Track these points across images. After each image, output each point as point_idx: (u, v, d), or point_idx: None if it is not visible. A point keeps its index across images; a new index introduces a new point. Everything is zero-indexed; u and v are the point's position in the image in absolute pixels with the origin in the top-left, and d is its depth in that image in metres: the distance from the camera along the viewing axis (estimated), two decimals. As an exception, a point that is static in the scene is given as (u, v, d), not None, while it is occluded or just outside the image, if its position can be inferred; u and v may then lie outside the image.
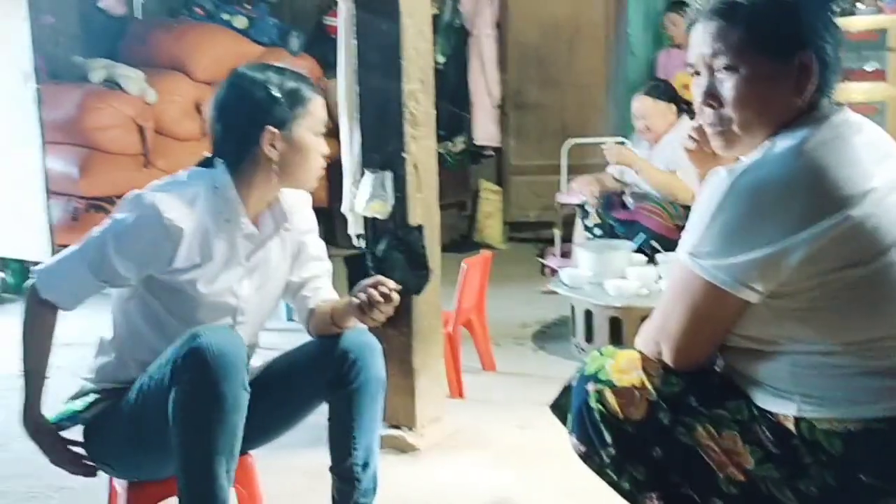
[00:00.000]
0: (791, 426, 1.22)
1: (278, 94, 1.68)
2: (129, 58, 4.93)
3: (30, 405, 1.68)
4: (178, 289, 1.67)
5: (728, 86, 1.26)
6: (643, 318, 1.60)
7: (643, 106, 3.80)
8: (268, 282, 1.79)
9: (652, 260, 3.51)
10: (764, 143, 1.24)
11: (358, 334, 1.76)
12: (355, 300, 1.68)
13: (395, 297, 1.68)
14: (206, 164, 1.74)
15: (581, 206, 4.02)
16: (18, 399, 1.69)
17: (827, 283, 1.17)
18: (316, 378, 1.74)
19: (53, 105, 4.40)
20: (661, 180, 3.70)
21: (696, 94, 1.32)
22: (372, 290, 1.66)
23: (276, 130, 1.68)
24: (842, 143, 1.20)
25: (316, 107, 1.73)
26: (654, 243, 3.60)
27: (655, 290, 3.18)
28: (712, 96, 1.29)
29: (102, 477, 1.86)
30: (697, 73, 1.31)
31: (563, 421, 1.41)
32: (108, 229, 1.64)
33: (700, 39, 1.29)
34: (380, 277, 1.70)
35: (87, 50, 5.03)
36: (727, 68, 1.26)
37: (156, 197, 1.63)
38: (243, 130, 1.69)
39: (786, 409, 1.23)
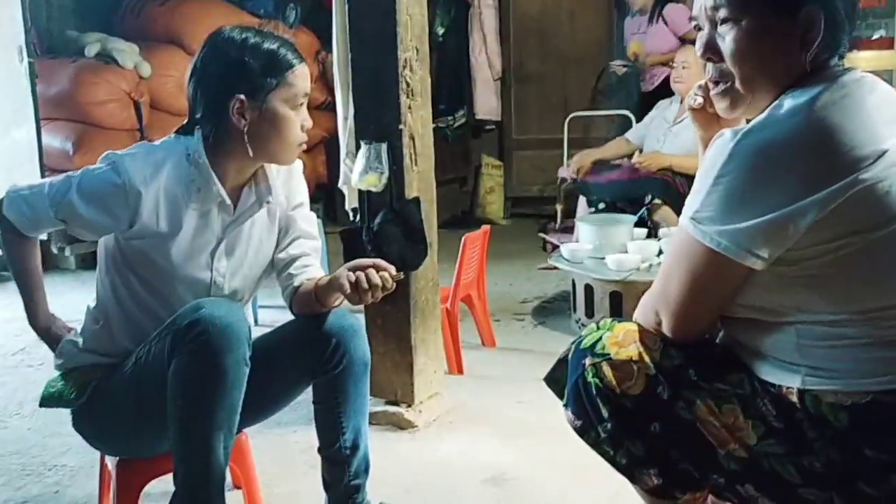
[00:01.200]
0: (795, 399, 1.18)
1: (251, 60, 1.60)
2: (124, 31, 4.87)
3: (29, 312, 1.75)
4: (151, 259, 1.64)
5: (729, 39, 1.21)
6: (644, 293, 1.54)
7: (687, 55, 3.83)
8: (250, 257, 1.74)
9: (653, 234, 3.47)
10: (770, 104, 1.19)
11: (339, 317, 1.69)
12: (348, 278, 1.59)
13: (392, 285, 1.60)
14: (187, 130, 1.68)
15: (576, 182, 4.00)
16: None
17: (836, 250, 1.12)
18: (298, 363, 1.69)
19: (48, 80, 4.36)
20: (692, 164, 3.70)
21: (697, 48, 1.27)
22: (372, 272, 1.59)
23: (244, 98, 1.60)
24: (853, 103, 1.14)
25: (296, 77, 1.63)
26: (654, 201, 3.56)
27: (656, 264, 3.15)
28: (713, 50, 1.24)
29: (95, 454, 1.84)
30: (700, 28, 1.26)
31: (559, 394, 1.38)
32: (76, 175, 1.66)
33: None
34: (380, 261, 1.62)
35: (82, 23, 4.97)
36: (728, 20, 1.21)
37: (122, 158, 1.63)
38: (213, 96, 1.62)
39: (790, 382, 1.19)
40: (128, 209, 1.60)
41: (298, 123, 1.65)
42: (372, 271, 1.59)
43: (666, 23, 4.78)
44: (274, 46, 1.63)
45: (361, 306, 1.94)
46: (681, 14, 4.94)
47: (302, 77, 1.65)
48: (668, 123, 3.89)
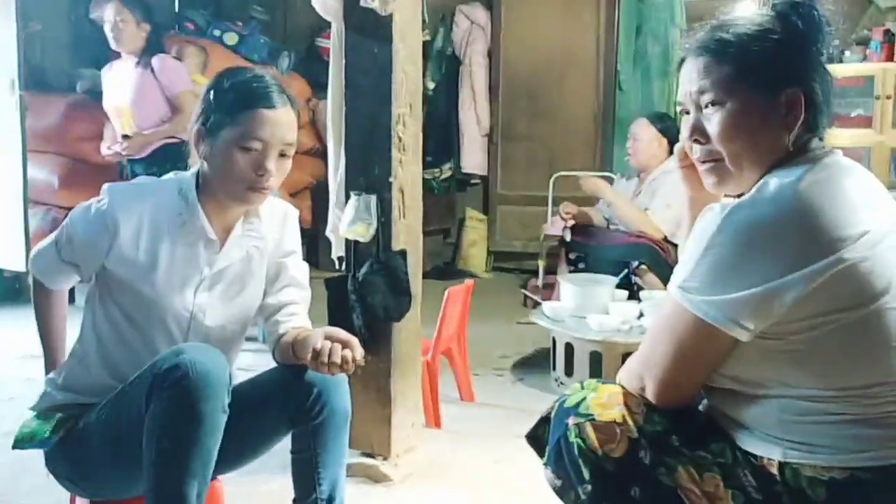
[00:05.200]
0: (775, 471, 1.20)
1: (216, 94, 1.63)
2: (117, 70, 4.89)
3: (48, 364, 1.80)
4: (134, 288, 1.64)
5: (714, 121, 1.26)
6: (624, 354, 1.55)
7: (638, 128, 3.88)
8: (234, 297, 1.74)
9: (635, 296, 3.50)
10: (757, 182, 1.23)
11: None
12: (314, 345, 1.57)
13: (352, 368, 1.58)
14: (188, 167, 1.74)
15: (563, 239, 4.03)
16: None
17: (819, 326, 1.15)
18: (279, 410, 1.68)
19: (38, 113, 4.36)
20: (630, 215, 3.76)
21: (683, 131, 1.32)
22: (337, 348, 1.57)
23: (202, 129, 1.64)
24: (835, 185, 1.19)
25: (251, 120, 1.60)
26: (643, 265, 3.59)
27: (637, 326, 3.17)
28: (699, 132, 1.29)
29: (65, 494, 1.81)
30: (687, 112, 1.32)
31: (539, 453, 1.38)
32: (73, 211, 1.71)
33: (688, 76, 1.30)
34: (353, 340, 1.60)
35: (75, 59, 5.00)
36: (714, 103, 1.26)
37: (115, 187, 1.68)
38: (192, 127, 1.68)
39: (770, 454, 1.20)
40: (107, 234, 1.62)
41: (248, 166, 1.61)
42: (338, 347, 1.57)
43: (156, 77, 3.67)
44: (242, 84, 1.63)
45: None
46: (176, 73, 3.74)
47: (260, 122, 1.60)
48: (628, 196, 3.95)
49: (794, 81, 1.23)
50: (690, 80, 1.29)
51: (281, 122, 1.63)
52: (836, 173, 1.21)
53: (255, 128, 1.60)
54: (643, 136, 3.83)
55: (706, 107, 1.27)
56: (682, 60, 1.32)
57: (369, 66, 2.37)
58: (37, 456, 1.70)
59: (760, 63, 1.24)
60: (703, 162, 1.30)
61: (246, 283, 1.75)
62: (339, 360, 1.56)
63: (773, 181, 1.19)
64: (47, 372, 1.79)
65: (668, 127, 3.88)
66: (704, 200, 1.37)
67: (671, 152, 3.82)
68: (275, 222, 1.78)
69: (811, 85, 1.24)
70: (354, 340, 1.60)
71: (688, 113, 1.31)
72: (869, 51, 4.55)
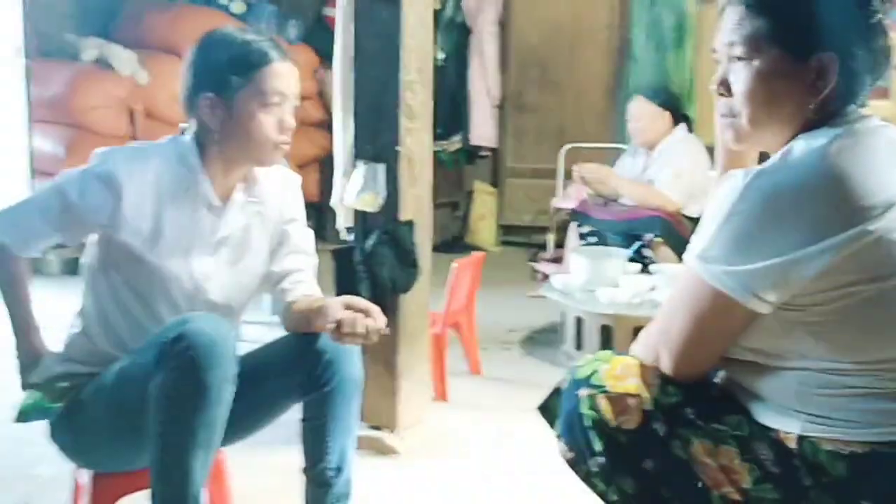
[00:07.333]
0: (793, 445, 1.16)
1: (219, 57, 1.59)
2: (123, 38, 4.85)
3: (21, 340, 1.67)
4: (135, 255, 1.61)
5: (739, 77, 1.22)
6: (635, 329, 1.51)
7: (635, 107, 3.79)
8: (237, 263, 1.71)
9: (646, 269, 3.45)
10: (783, 146, 1.18)
11: None
12: (333, 314, 1.55)
13: (375, 339, 1.57)
14: (183, 132, 1.69)
15: (575, 212, 3.97)
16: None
17: (843, 298, 1.11)
18: (290, 378, 1.66)
19: (43, 83, 4.33)
20: (640, 193, 3.69)
21: (712, 81, 1.28)
22: (360, 319, 1.55)
23: (213, 96, 1.60)
24: (865, 151, 1.14)
25: (265, 76, 1.59)
26: (655, 238, 3.54)
27: (648, 300, 3.13)
28: (725, 85, 1.25)
29: (69, 465, 1.79)
30: (720, 62, 1.27)
31: (551, 424, 1.36)
32: (62, 177, 1.64)
33: (724, 26, 1.25)
34: (374, 308, 1.58)
35: (80, 28, 4.95)
36: (741, 58, 1.22)
37: (111, 152, 1.63)
38: (188, 95, 1.63)
39: (789, 427, 1.17)
40: (111, 197, 1.58)
41: (272, 123, 1.61)
42: (360, 318, 1.56)
43: None
44: (246, 43, 1.60)
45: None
46: None
47: (274, 76, 1.60)
48: (638, 172, 3.88)
49: (829, 46, 1.17)
50: (725, 30, 1.24)
51: (292, 74, 1.65)
52: (867, 139, 1.15)
53: (272, 82, 1.60)
54: (644, 115, 3.74)
55: (734, 60, 1.23)
56: (722, 9, 1.26)
57: (378, 30, 2.32)
58: (42, 426, 1.68)
59: (794, 23, 1.18)
60: (724, 116, 1.26)
61: (249, 248, 1.72)
62: (363, 331, 1.54)
63: (799, 146, 1.14)
64: (23, 350, 1.67)
65: (666, 99, 3.80)
66: (740, 159, 1.33)
67: (675, 123, 3.76)
68: (275, 187, 1.75)
69: (850, 50, 1.17)
70: (376, 308, 1.58)
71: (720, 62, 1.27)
72: (888, 20, 4.44)
